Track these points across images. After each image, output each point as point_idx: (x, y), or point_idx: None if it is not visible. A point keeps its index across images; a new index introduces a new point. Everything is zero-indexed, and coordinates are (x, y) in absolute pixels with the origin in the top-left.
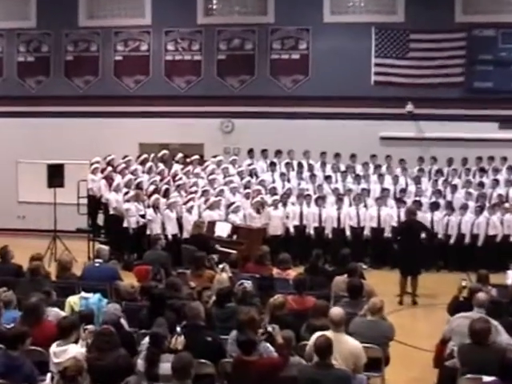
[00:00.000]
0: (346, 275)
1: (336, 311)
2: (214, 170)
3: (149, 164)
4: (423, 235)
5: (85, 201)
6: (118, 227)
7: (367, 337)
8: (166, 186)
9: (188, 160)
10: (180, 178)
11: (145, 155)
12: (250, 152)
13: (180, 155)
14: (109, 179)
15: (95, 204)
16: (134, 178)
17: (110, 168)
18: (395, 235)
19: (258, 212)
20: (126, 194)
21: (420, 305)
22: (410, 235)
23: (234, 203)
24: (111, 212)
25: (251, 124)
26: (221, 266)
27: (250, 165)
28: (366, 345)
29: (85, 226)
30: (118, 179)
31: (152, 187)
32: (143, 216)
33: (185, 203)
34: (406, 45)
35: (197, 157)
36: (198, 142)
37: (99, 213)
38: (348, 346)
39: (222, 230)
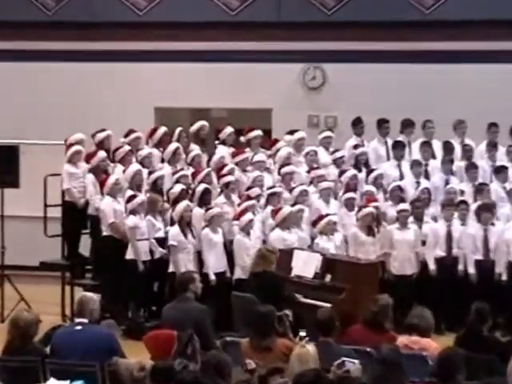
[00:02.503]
0: None
1: None
2: (291, 156)
3: (172, 146)
4: None
5: (58, 212)
6: (116, 260)
7: None
8: (205, 186)
9: (243, 139)
10: (230, 172)
11: (163, 129)
12: (357, 124)
13: (229, 130)
14: (101, 173)
15: (76, 218)
16: (148, 172)
17: (102, 153)
18: None
19: (371, 233)
20: (131, 199)
21: None
22: None
23: (326, 216)
24: (104, 233)
25: (357, 73)
26: (303, 332)
27: (355, 147)
28: None
29: (57, 257)
30: (116, 173)
31: (178, 187)
32: (162, 241)
33: (237, 217)
34: None
35: (259, 133)
36: (260, 106)
37: (83, 234)
38: None
39: (306, 266)
